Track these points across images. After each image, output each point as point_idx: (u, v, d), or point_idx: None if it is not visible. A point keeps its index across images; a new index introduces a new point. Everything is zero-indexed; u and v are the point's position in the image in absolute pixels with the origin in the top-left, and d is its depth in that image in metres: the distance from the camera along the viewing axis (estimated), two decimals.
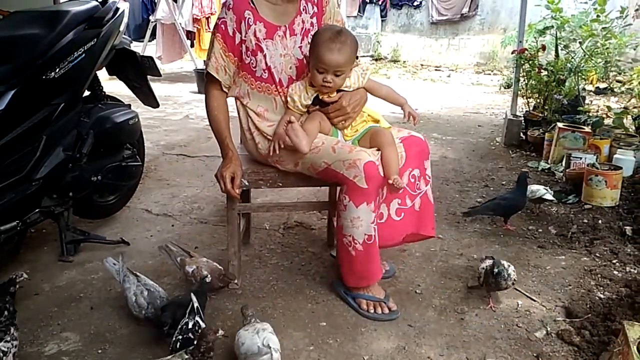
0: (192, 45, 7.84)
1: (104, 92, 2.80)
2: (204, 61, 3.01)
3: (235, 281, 2.21)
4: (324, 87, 2.03)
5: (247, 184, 2.20)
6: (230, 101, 2.25)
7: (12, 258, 2.49)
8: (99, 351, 1.89)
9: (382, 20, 11.21)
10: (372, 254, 2.08)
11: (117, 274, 2.06)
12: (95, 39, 2.41)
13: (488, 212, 2.96)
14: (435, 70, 10.08)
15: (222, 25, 2.12)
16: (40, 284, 2.29)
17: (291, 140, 2.01)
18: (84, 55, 2.35)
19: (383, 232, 2.12)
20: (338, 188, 2.10)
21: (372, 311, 2.11)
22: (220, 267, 2.19)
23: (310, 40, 2.12)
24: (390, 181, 2.01)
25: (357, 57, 2.10)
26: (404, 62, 10.75)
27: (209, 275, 2.09)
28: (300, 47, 2.17)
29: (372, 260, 2.09)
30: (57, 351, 1.87)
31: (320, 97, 2.09)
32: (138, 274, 2.09)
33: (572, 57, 4.70)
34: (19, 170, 2.18)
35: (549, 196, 3.04)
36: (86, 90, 2.61)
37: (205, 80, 2.22)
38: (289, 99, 2.12)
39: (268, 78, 2.14)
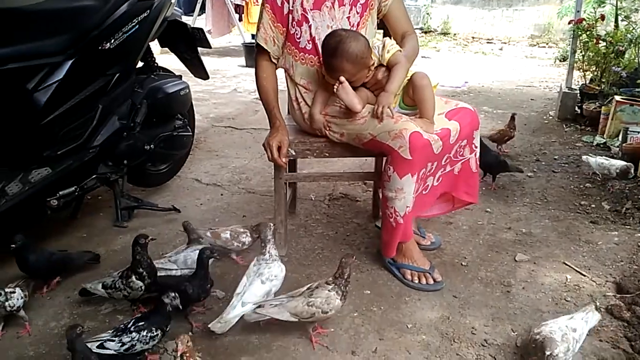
0: (240, 19, 7.86)
1: (157, 64, 2.86)
2: (252, 34, 3.02)
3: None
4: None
5: (294, 153, 2.22)
6: (280, 73, 2.27)
7: (70, 223, 2.61)
8: None
9: None
10: (409, 224, 2.12)
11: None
12: (148, 11, 2.46)
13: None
14: (487, 43, 9.77)
15: None
16: (96, 247, 2.40)
17: (343, 99, 2.01)
18: (137, 26, 2.41)
19: (423, 200, 2.12)
20: (384, 159, 2.10)
21: (417, 281, 2.12)
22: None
23: (357, 11, 2.10)
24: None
25: (365, 57, 1.98)
26: (455, 34, 10.46)
27: (247, 232, 2.21)
28: (349, 18, 2.14)
29: (408, 228, 2.13)
30: (112, 310, 1.97)
31: None
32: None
33: (633, 28, 4.47)
34: (77, 137, 2.28)
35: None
36: (139, 62, 2.68)
37: (255, 51, 2.24)
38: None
39: (312, 49, 2.13)
